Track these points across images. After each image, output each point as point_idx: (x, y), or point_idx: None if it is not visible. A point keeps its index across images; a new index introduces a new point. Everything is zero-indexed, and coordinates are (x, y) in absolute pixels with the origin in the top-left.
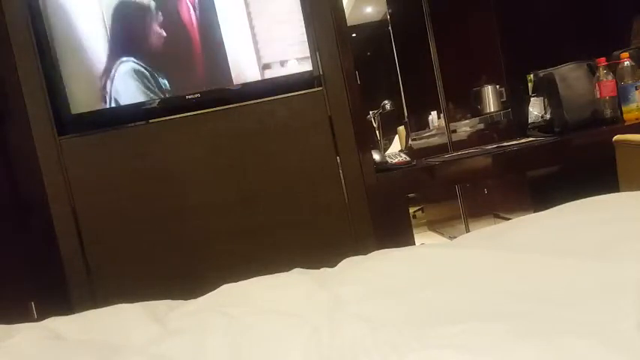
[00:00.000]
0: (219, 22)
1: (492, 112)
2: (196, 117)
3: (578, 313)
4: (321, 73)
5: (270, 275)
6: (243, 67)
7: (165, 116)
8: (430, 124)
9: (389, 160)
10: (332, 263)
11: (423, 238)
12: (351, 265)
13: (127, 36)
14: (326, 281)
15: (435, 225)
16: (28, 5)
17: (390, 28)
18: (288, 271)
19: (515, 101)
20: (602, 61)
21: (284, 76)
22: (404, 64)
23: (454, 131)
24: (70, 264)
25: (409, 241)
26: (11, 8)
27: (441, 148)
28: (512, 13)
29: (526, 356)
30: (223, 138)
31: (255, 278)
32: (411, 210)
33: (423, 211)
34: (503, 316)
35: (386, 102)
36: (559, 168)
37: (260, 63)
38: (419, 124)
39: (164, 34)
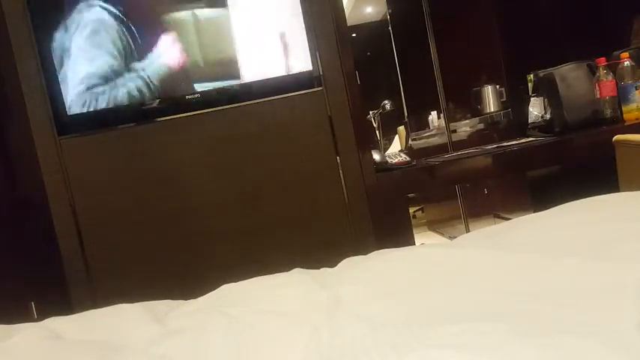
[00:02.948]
0: None
1: (492, 112)
2: (196, 117)
3: (578, 313)
4: (321, 73)
5: (270, 275)
6: (243, 66)
7: (165, 116)
8: (430, 124)
9: (389, 160)
10: (332, 263)
11: (423, 238)
12: (351, 265)
13: None
14: (326, 281)
15: (435, 225)
16: (27, 6)
17: (390, 28)
18: (288, 271)
19: (515, 101)
20: (602, 61)
21: (284, 76)
22: (404, 64)
23: (454, 131)
24: (70, 264)
25: (409, 241)
26: (11, 8)
27: (441, 148)
28: (512, 13)
29: (526, 356)
30: (223, 138)
31: (255, 278)
32: (411, 210)
33: (423, 211)
34: (503, 316)
35: (386, 102)
36: (559, 168)
37: (259, 63)
38: (419, 124)
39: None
